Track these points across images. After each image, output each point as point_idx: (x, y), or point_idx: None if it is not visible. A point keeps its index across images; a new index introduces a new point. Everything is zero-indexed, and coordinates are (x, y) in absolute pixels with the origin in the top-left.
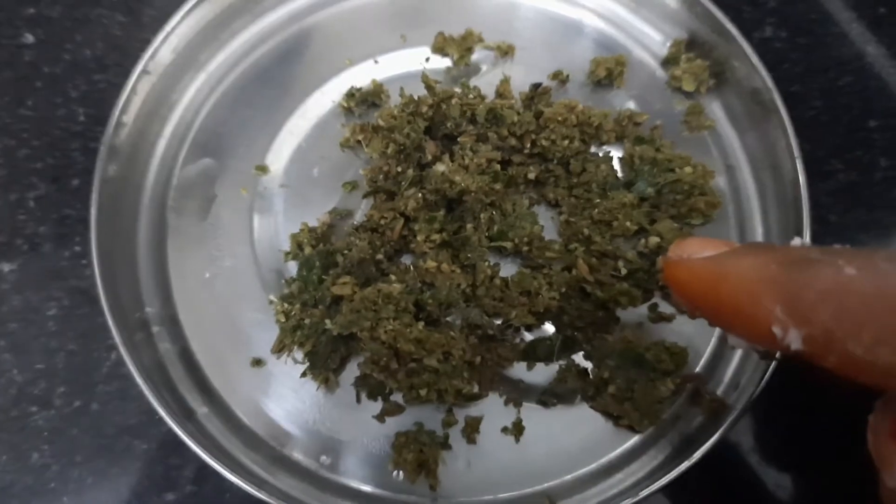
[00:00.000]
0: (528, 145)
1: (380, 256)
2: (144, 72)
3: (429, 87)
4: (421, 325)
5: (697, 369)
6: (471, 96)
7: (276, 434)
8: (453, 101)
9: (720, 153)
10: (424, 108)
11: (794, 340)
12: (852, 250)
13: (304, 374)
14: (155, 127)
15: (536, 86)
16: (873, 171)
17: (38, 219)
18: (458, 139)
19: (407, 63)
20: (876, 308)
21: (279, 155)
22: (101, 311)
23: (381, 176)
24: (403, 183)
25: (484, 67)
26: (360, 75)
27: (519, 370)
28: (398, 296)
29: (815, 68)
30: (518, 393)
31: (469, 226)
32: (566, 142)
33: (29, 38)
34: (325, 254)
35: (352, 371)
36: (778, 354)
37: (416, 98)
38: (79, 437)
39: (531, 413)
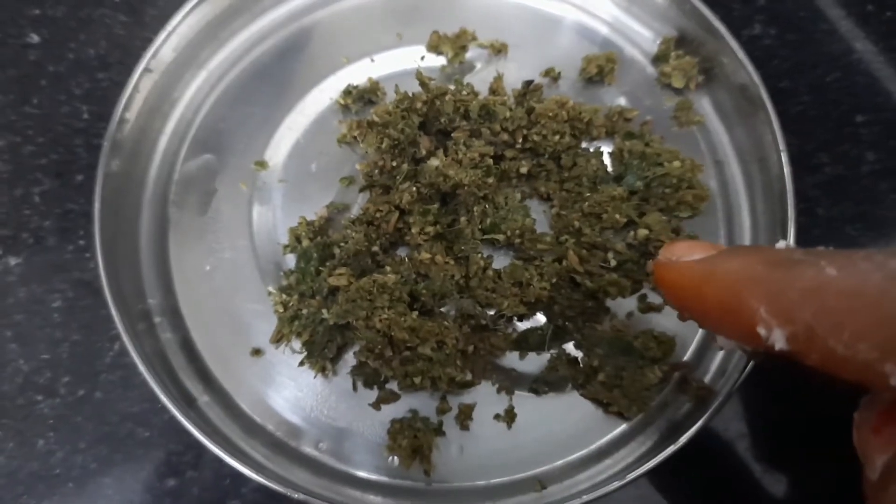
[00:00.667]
0: (520, 140)
1: (375, 248)
2: (146, 70)
3: (423, 84)
4: (415, 314)
5: (685, 358)
6: (464, 93)
7: (275, 421)
8: (447, 97)
9: (709, 148)
10: (419, 105)
11: (779, 340)
12: (833, 251)
13: (301, 363)
14: (157, 123)
15: (528, 83)
16: (860, 165)
17: (43, 213)
18: (452, 134)
19: (403, 61)
20: (855, 306)
21: (278, 151)
22: (105, 302)
23: (377, 171)
24: (398, 177)
25: (478, 65)
26: (357, 73)
27: (511, 359)
28: (393, 286)
29: (803, 64)
30: (510, 381)
31: (462, 219)
32: (557, 137)
33: (34, 37)
34: (323, 246)
35: (349, 360)
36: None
37: (410, 94)
38: (83, 424)
39: (523, 400)
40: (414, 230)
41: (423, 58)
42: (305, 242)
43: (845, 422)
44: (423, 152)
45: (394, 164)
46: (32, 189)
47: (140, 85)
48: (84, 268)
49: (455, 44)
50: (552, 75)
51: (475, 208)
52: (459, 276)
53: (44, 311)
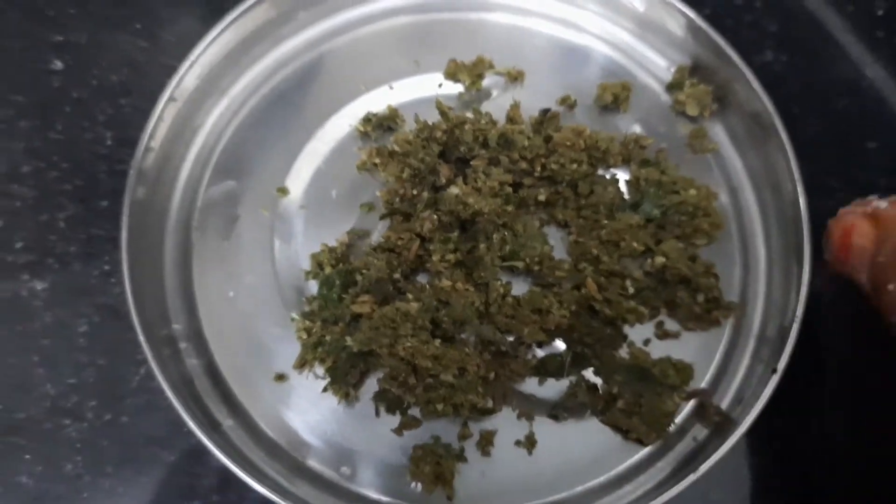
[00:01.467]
0: (539, 168)
1: (397, 276)
2: (171, 99)
3: (443, 113)
4: (438, 342)
5: (703, 384)
6: (483, 122)
7: (298, 445)
8: (466, 126)
9: (723, 175)
10: (439, 134)
11: None
12: None
13: (325, 390)
14: (179, 150)
15: (545, 111)
16: (872, 190)
17: (68, 238)
18: (471, 163)
19: (420, 88)
20: None
21: (299, 177)
22: (130, 326)
23: (398, 198)
24: (419, 205)
25: (494, 92)
26: (376, 100)
27: (531, 385)
28: (416, 314)
29: (814, 90)
30: (530, 407)
31: (482, 246)
32: (574, 165)
33: (57, 64)
34: (345, 273)
35: (371, 385)
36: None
37: (430, 124)
38: (109, 448)
39: (543, 426)
40: (435, 258)
41: (440, 85)
42: (328, 269)
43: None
44: (443, 180)
45: (414, 192)
46: (57, 214)
47: (164, 113)
48: (109, 292)
49: (472, 71)
50: (568, 103)
51: (494, 235)
52: (479, 302)
53: (70, 336)
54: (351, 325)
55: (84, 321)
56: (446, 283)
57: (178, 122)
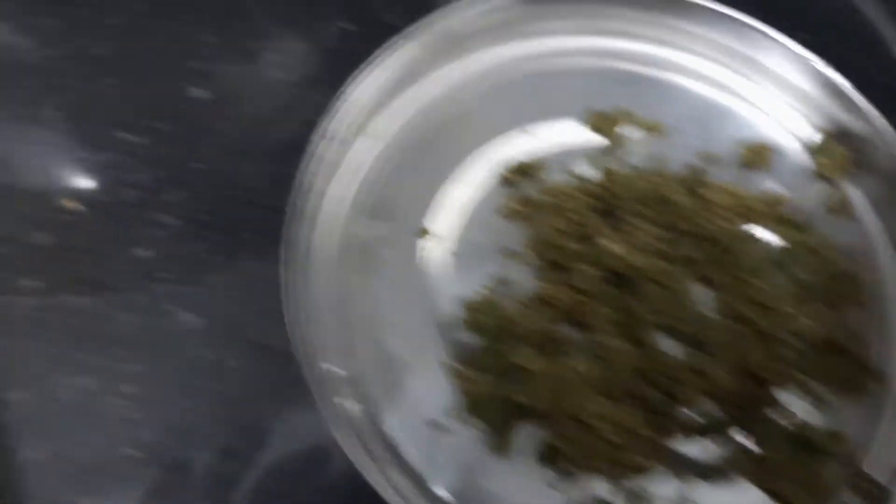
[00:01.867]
0: (689, 226)
1: (554, 328)
2: (325, 136)
3: (598, 168)
4: (603, 399)
5: (854, 450)
6: (635, 177)
7: (457, 494)
8: (620, 180)
9: (863, 239)
10: (592, 187)
11: None
12: None
13: (487, 447)
14: (328, 189)
15: (695, 168)
16: None
17: (216, 271)
18: (625, 217)
19: (559, 135)
20: None
21: (443, 220)
22: (286, 367)
23: (549, 250)
24: (573, 258)
25: (631, 145)
26: (515, 145)
27: (685, 444)
28: (584, 371)
29: None
30: (684, 467)
31: (637, 303)
32: (724, 223)
33: (201, 93)
34: (500, 322)
35: (526, 438)
36: None
37: (584, 177)
38: (280, 494)
39: (697, 487)
40: (594, 313)
41: (581, 135)
42: (481, 317)
43: None
44: (596, 234)
45: (566, 244)
46: (203, 246)
47: (317, 152)
48: (262, 330)
49: (612, 122)
50: (708, 159)
51: (648, 292)
52: (637, 360)
53: (224, 373)
54: (509, 377)
55: (239, 358)
56: (606, 339)
57: (330, 161)
